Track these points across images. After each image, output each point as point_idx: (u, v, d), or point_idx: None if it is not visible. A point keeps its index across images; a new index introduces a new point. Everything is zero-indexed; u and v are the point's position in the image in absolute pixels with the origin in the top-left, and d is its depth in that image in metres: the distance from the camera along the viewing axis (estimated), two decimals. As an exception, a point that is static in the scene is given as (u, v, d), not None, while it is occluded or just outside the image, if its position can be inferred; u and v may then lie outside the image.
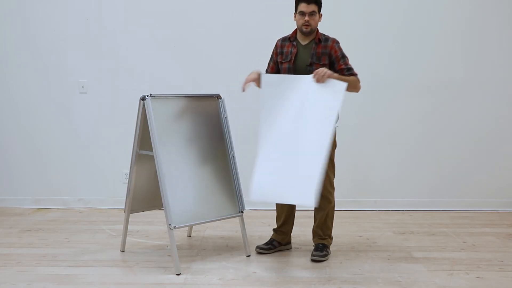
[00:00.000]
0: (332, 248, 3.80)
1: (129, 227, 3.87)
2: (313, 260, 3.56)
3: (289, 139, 3.37)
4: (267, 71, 3.71)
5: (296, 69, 3.56)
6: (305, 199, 3.26)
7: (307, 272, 3.38)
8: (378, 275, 3.32)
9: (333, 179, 3.65)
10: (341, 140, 5.00)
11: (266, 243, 3.76)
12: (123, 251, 3.76)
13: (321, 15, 3.56)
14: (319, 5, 3.51)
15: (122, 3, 4.92)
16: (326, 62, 3.52)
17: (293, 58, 3.56)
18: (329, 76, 3.36)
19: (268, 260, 3.60)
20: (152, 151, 3.40)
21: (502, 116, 4.98)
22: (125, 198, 3.74)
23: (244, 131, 4.53)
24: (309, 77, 3.41)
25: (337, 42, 3.57)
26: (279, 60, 3.64)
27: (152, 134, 3.36)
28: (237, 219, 3.76)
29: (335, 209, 4.92)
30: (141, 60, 4.94)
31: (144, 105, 3.42)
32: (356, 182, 5.03)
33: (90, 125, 5.01)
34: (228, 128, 3.73)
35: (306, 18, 3.48)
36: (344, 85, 3.35)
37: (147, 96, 3.39)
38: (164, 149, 3.40)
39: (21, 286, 3.14)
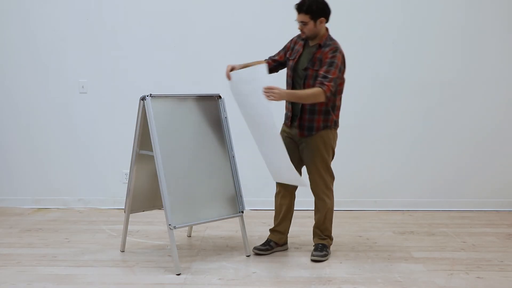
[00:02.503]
0: (332, 248, 3.80)
1: (129, 227, 3.87)
2: (313, 260, 3.57)
3: (259, 133, 3.56)
4: (273, 58, 3.72)
5: (296, 70, 3.56)
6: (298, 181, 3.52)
7: (307, 272, 3.38)
8: (378, 275, 3.32)
9: (329, 181, 3.64)
10: (341, 140, 5.02)
11: (263, 244, 3.76)
12: (123, 251, 3.76)
13: (322, 20, 3.46)
14: (311, 13, 3.41)
15: (122, 3, 4.92)
16: (317, 68, 3.47)
17: (297, 58, 3.56)
18: (280, 99, 3.34)
19: (268, 260, 3.60)
20: (152, 151, 3.40)
21: (502, 116, 4.98)
22: (125, 198, 3.74)
23: (244, 131, 4.52)
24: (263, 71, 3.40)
25: (335, 50, 3.44)
26: (288, 55, 3.63)
27: (152, 134, 3.36)
28: (237, 219, 3.76)
29: (336, 209, 4.93)
30: (141, 60, 4.94)
31: (144, 105, 3.42)
32: (356, 182, 5.03)
33: (90, 125, 5.01)
34: (228, 128, 3.73)
35: (299, 26, 3.50)
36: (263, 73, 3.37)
37: (147, 96, 3.39)
38: (164, 149, 3.40)
39: (21, 286, 3.14)
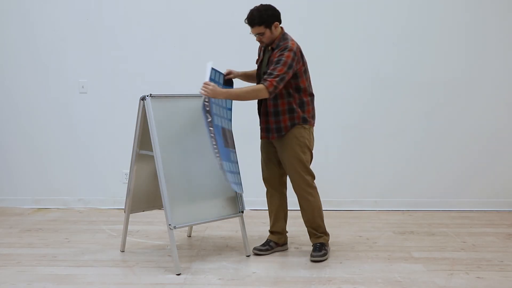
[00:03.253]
0: (332, 248, 3.80)
1: (129, 227, 3.87)
2: (313, 261, 3.56)
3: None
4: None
5: (260, 75, 3.63)
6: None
7: (307, 272, 3.38)
8: (378, 275, 3.32)
9: (310, 180, 3.62)
10: (341, 139, 5.03)
11: (263, 244, 3.76)
12: (123, 251, 3.76)
13: (276, 24, 3.48)
14: (264, 23, 3.43)
15: (122, 3, 4.92)
16: None
17: (259, 63, 3.64)
18: (213, 96, 3.38)
19: (267, 260, 3.60)
20: (152, 151, 3.40)
21: (502, 116, 4.97)
22: (125, 198, 3.74)
23: (244, 131, 4.52)
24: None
25: (284, 49, 3.43)
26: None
27: (152, 134, 3.36)
28: (237, 219, 3.76)
29: (336, 209, 4.93)
30: (141, 60, 4.94)
31: (144, 105, 3.42)
32: (356, 182, 5.03)
33: (90, 125, 5.01)
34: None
35: (256, 38, 3.52)
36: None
37: (147, 96, 3.39)
38: (164, 149, 3.40)
39: (21, 286, 3.14)
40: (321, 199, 3.71)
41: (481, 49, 4.92)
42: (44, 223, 4.53)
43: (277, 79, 3.38)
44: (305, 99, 3.58)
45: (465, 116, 4.97)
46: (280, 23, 3.52)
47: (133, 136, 3.59)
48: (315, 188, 3.65)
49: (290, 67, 3.42)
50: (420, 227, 4.43)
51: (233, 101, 3.72)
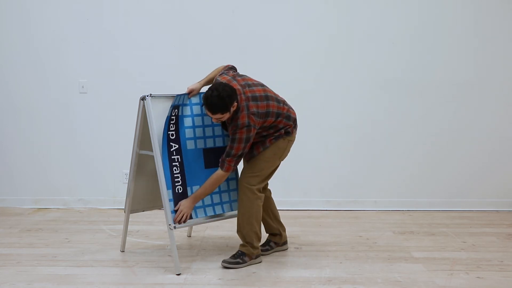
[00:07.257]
0: (332, 248, 3.80)
1: (129, 227, 3.87)
2: (223, 266, 3.43)
3: None
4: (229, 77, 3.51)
5: (225, 127, 3.51)
6: None
7: (307, 272, 3.38)
8: (378, 275, 3.32)
9: (260, 188, 3.50)
10: (342, 140, 5.02)
11: (263, 244, 3.75)
12: (123, 251, 3.76)
13: (235, 104, 3.27)
14: (227, 109, 3.24)
15: (122, 4, 4.92)
16: None
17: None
18: (190, 210, 3.40)
19: (268, 260, 3.60)
20: (152, 151, 3.40)
21: (501, 116, 4.97)
22: (125, 198, 3.74)
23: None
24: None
25: (236, 127, 3.30)
26: None
27: (152, 134, 3.36)
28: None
29: (336, 209, 4.90)
30: (141, 60, 4.94)
31: (144, 105, 3.42)
32: (356, 182, 5.03)
33: (90, 125, 5.01)
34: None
35: (214, 120, 3.32)
36: None
37: (147, 96, 3.39)
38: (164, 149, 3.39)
39: (21, 286, 3.14)
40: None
41: (488, 51, 4.90)
42: (44, 223, 4.53)
43: (235, 158, 3.34)
44: (281, 125, 3.48)
45: (465, 117, 4.97)
46: (237, 100, 3.30)
47: (133, 136, 3.59)
48: (259, 197, 3.48)
49: (246, 141, 3.32)
50: (420, 227, 4.43)
51: None
